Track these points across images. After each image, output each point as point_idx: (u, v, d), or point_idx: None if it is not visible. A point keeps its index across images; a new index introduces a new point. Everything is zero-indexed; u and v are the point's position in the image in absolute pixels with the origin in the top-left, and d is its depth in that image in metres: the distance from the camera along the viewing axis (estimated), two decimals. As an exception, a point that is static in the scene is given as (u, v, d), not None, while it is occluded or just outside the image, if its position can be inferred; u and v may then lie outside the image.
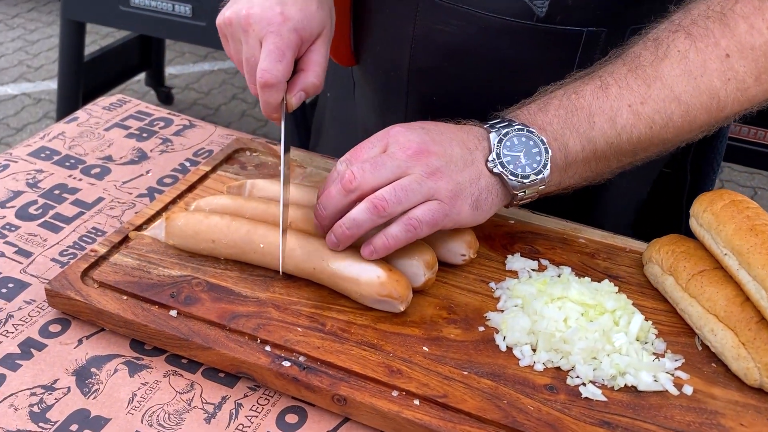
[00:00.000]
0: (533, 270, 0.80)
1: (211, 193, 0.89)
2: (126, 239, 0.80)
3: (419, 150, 0.70)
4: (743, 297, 0.70)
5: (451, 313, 0.74)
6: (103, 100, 1.12)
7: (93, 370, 0.69)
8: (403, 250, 0.73)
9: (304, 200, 0.81)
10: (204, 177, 0.92)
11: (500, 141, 0.72)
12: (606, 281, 0.76)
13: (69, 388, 0.67)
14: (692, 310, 0.73)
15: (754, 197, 2.86)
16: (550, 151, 0.72)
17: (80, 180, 0.95)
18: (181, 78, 3.43)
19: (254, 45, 0.75)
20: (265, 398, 0.68)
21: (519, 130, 0.72)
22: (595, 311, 0.71)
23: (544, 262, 0.81)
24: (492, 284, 0.78)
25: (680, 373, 0.69)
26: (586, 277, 0.77)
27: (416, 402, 0.64)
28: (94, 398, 0.66)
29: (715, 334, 0.70)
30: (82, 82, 2.64)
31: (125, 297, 0.73)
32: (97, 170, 0.97)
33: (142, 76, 3.17)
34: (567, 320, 0.70)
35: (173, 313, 0.72)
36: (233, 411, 0.66)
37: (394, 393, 0.65)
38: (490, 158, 0.72)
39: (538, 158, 0.72)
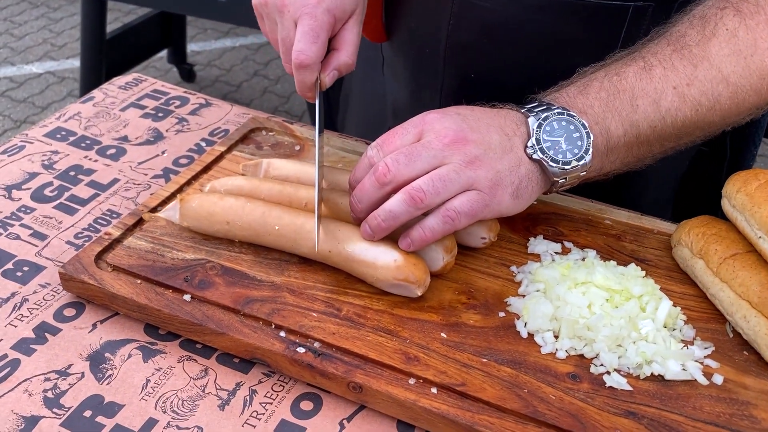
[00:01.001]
0: (556, 253, 0.77)
1: (226, 174, 0.87)
2: (140, 221, 0.79)
3: (456, 138, 0.67)
4: (778, 282, 0.67)
5: (471, 298, 0.72)
6: (119, 79, 1.11)
7: (107, 355, 0.68)
8: (421, 233, 0.71)
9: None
10: (219, 157, 0.91)
11: (539, 126, 0.69)
12: (632, 265, 0.73)
13: (83, 373, 0.67)
14: (723, 296, 0.70)
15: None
16: (591, 135, 0.69)
17: (96, 161, 0.94)
18: (203, 55, 3.42)
19: (289, 26, 0.75)
20: (280, 384, 0.66)
21: (559, 113, 0.69)
22: (620, 297, 0.69)
23: (568, 244, 0.79)
24: (513, 268, 0.75)
25: (710, 362, 0.66)
26: (611, 261, 0.75)
27: (434, 390, 0.62)
28: (108, 384, 0.66)
29: (748, 321, 0.67)
30: (105, 60, 2.63)
31: (139, 281, 0.72)
32: (113, 151, 0.96)
33: (164, 53, 3.16)
34: (591, 306, 0.67)
35: (187, 297, 0.70)
36: (247, 398, 0.65)
37: (411, 381, 0.63)
38: (529, 144, 0.69)
39: (579, 143, 0.69)
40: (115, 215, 0.85)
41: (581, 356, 0.66)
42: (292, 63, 0.74)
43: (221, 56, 3.42)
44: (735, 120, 0.73)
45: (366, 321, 0.68)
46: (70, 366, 0.67)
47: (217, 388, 0.66)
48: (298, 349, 0.65)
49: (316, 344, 0.66)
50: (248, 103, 3.09)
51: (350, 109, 1.23)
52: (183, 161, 0.94)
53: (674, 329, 0.69)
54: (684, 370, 0.64)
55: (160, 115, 1.03)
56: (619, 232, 0.81)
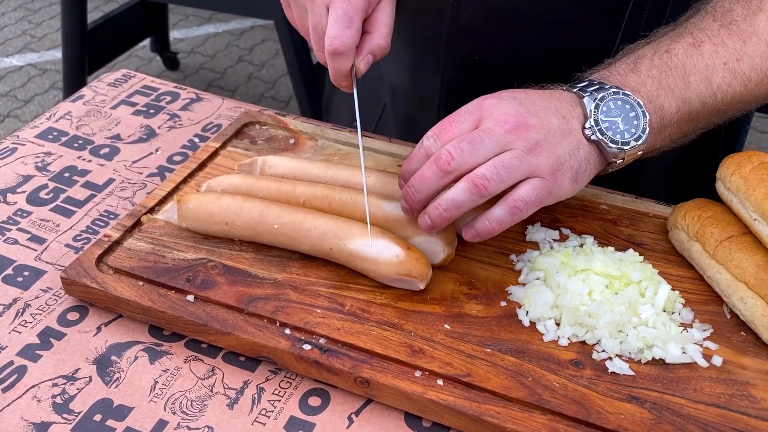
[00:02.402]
0: (554, 240, 0.78)
1: (221, 171, 0.87)
2: (138, 223, 0.79)
3: (517, 124, 0.66)
4: (774, 263, 0.68)
5: (472, 289, 0.72)
6: (108, 76, 1.10)
7: (113, 357, 0.69)
8: (422, 226, 0.71)
9: (317, 177, 0.79)
10: (214, 154, 0.90)
11: (597, 106, 0.68)
12: (630, 251, 0.74)
13: (90, 377, 0.67)
14: (720, 278, 0.71)
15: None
16: (647, 114, 0.69)
17: (89, 161, 0.93)
18: (186, 42, 3.38)
19: (321, 11, 0.71)
20: (287, 381, 0.67)
21: (615, 93, 0.69)
22: (620, 283, 0.70)
23: (566, 231, 0.79)
24: (513, 257, 0.76)
25: (709, 344, 0.67)
26: (609, 247, 0.75)
27: (440, 382, 0.63)
28: (116, 387, 0.66)
29: (745, 302, 0.68)
30: (87, 51, 2.60)
31: (141, 283, 0.72)
32: (106, 150, 0.95)
33: (147, 42, 3.12)
34: (591, 293, 0.68)
35: (190, 297, 0.71)
36: (255, 396, 0.66)
37: (417, 373, 0.64)
38: (587, 125, 0.68)
39: (635, 122, 0.69)
40: (112, 216, 0.85)
41: (583, 343, 0.67)
42: (326, 50, 0.70)
43: (204, 43, 3.38)
44: None
45: (370, 315, 0.69)
46: (77, 370, 0.68)
47: (225, 388, 0.66)
48: (303, 346, 0.66)
49: (322, 340, 0.67)
50: (234, 89, 3.06)
51: (339, 90, 1.21)
52: (177, 158, 0.94)
53: (673, 312, 0.70)
54: (684, 353, 0.65)
55: (152, 111, 1.02)
56: (615, 216, 0.82)
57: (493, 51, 0.89)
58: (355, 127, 1.09)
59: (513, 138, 0.66)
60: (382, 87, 1.06)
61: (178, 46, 3.31)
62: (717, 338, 0.68)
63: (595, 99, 0.68)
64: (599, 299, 0.68)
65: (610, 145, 0.68)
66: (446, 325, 0.68)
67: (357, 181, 0.78)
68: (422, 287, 0.70)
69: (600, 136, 0.68)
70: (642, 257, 0.74)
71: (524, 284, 0.72)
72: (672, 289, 0.70)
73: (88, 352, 0.69)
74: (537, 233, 0.78)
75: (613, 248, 0.75)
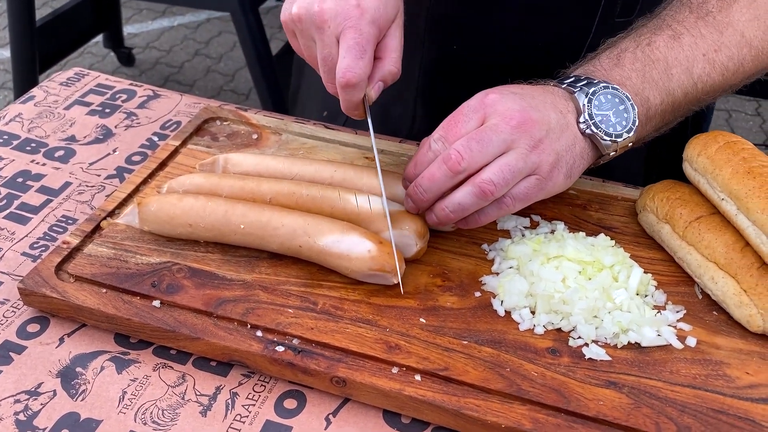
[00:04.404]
0: (525, 228, 0.77)
1: (183, 170, 0.85)
2: (98, 227, 0.76)
3: (522, 120, 0.66)
4: (743, 243, 0.68)
5: (446, 280, 0.71)
6: (60, 75, 1.06)
7: (78, 369, 0.66)
8: (393, 219, 0.70)
9: (283, 173, 0.77)
10: (174, 152, 0.88)
11: (589, 101, 0.69)
12: (602, 235, 0.74)
13: (55, 391, 0.64)
14: (691, 259, 0.71)
15: (729, 120, 2.85)
16: (636, 107, 0.70)
17: (44, 165, 0.90)
18: (140, 37, 3.30)
19: (331, 42, 0.69)
20: (261, 385, 0.65)
21: (604, 87, 0.70)
22: (593, 268, 0.69)
23: (536, 217, 0.79)
24: (485, 246, 0.75)
25: (682, 325, 0.67)
26: (580, 232, 0.75)
27: (417, 378, 0.62)
28: (83, 400, 0.64)
29: (716, 282, 0.68)
30: (37, 49, 2.51)
31: (104, 290, 0.70)
32: (61, 153, 0.92)
33: (100, 38, 3.03)
34: (565, 280, 0.68)
35: (156, 303, 0.68)
36: (229, 401, 0.64)
37: (394, 370, 0.63)
38: (581, 120, 0.69)
39: (626, 115, 0.70)
40: (71, 221, 0.81)
41: (559, 330, 0.67)
42: (338, 82, 0.68)
43: (160, 37, 3.31)
44: (747, 82, 0.76)
45: (343, 313, 0.68)
46: (40, 384, 0.65)
47: (197, 394, 0.64)
48: (276, 348, 0.64)
49: (295, 341, 0.65)
50: (192, 84, 3.00)
51: (306, 81, 1.18)
52: (136, 158, 0.91)
53: (646, 296, 0.70)
54: (659, 336, 0.65)
55: (107, 111, 0.99)
56: (584, 201, 0.82)
57: (470, 40, 0.88)
58: (325, 118, 1.07)
59: (518, 135, 0.66)
60: None
61: (132, 42, 3.22)
62: (690, 319, 0.68)
63: (587, 94, 0.69)
64: (573, 286, 0.67)
65: (605, 138, 0.69)
66: (422, 319, 0.67)
67: (324, 176, 0.76)
68: (396, 281, 0.68)
69: (595, 130, 0.69)
70: (613, 241, 0.74)
71: (498, 273, 0.72)
72: (644, 272, 0.70)
73: (51, 365, 0.66)
74: (508, 221, 0.78)
75: (584, 233, 0.75)
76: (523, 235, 0.76)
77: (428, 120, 1.00)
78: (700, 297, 0.71)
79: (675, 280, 0.72)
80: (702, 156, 0.73)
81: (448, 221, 0.69)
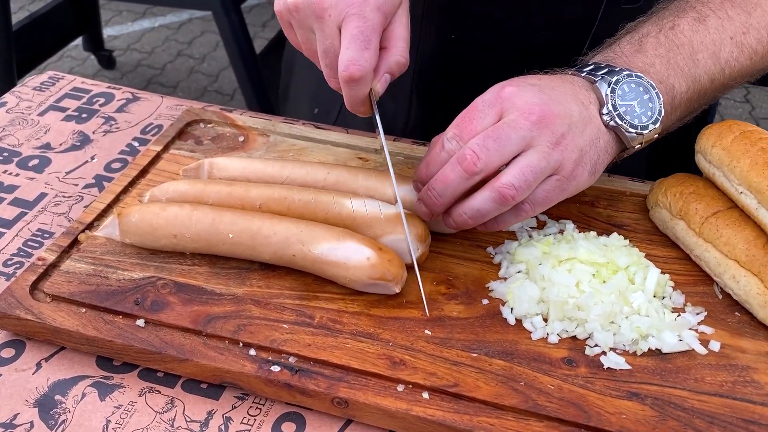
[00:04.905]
0: (532, 228, 0.73)
1: (165, 177, 0.80)
2: (76, 241, 0.71)
3: (543, 114, 0.61)
4: (765, 238, 0.64)
5: (451, 287, 0.67)
6: (33, 80, 1.00)
7: (57, 397, 0.61)
8: (392, 224, 0.65)
9: (272, 177, 0.73)
10: (156, 158, 0.82)
11: (612, 90, 0.64)
12: (615, 234, 0.70)
13: (32, 422, 0.59)
14: (709, 256, 0.67)
15: (718, 107, 2.81)
16: (661, 95, 0.65)
17: (17, 175, 0.84)
18: (121, 39, 3.23)
19: (332, 33, 0.63)
20: (257, 407, 0.61)
21: (627, 76, 0.65)
22: (607, 270, 0.65)
23: (542, 217, 0.75)
24: (490, 249, 0.71)
25: (704, 328, 0.63)
26: (591, 231, 0.71)
27: (425, 395, 0.58)
28: (63, 431, 0.59)
29: (738, 281, 0.64)
30: (15, 53, 2.45)
31: (84, 310, 0.65)
32: (36, 162, 0.86)
33: (79, 41, 2.96)
34: (579, 284, 0.64)
35: (140, 322, 0.63)
36: (222, 427, 0.59)
37: (400, 387, 0.58)
38: (604, 111, 0.65)
39: (650, 105, 0.65)
40: (47, 235, 0.76)
41: (574, 338, 0.62)
42: (341, 77, 0.62)
43: (141, 39, 3.24)
44: None
45: (342, 326, 0.63)
46: (15, 416, 0.60)
47: (187, 421, 0.60)
48: (272, 368, 0.60)
49: (292, 359, 0.61)
50: (175, 85, 2.94)
51: (296, 78, 1.13)
52: (116, 166, 0.86)
53: (664, 297, 0.66)
54: (681, 340, 0.61)
55: (84, 116, 0.94)
56: (592, 197, 0.77)
57: (468, 28, 0.84)
58: (316, 115, 1.02)
59: (539, 131, 0.61)
60: None
61: (113, 44, 3.15)
62: (711, 321, 0.64)
63: (609, 83, 0.65)
64: (588, 290, 0.63)
65: (630, 130, 0.65)
66: (427, 331, 0.63)
67: (316, 179, 0.72)
68: (398, 290, 0.64)
69: (619, 122, 0.65)
70: (627, 240, 0.70)
71: (505, 279, 0.67)
72: (661, 273, 0.66)
73: (28, 393, 0.61)
74: (513, 222, 0.73)
75: (594, 232, 0.71)
76: (531, 237, 0.71)
77: (424, 116, 0.95)
78: (721, 297, 0.67)
79: (692, 279, 0.68)
80: (717, 147, 0.69)
81: (466, 227, 0.64)
